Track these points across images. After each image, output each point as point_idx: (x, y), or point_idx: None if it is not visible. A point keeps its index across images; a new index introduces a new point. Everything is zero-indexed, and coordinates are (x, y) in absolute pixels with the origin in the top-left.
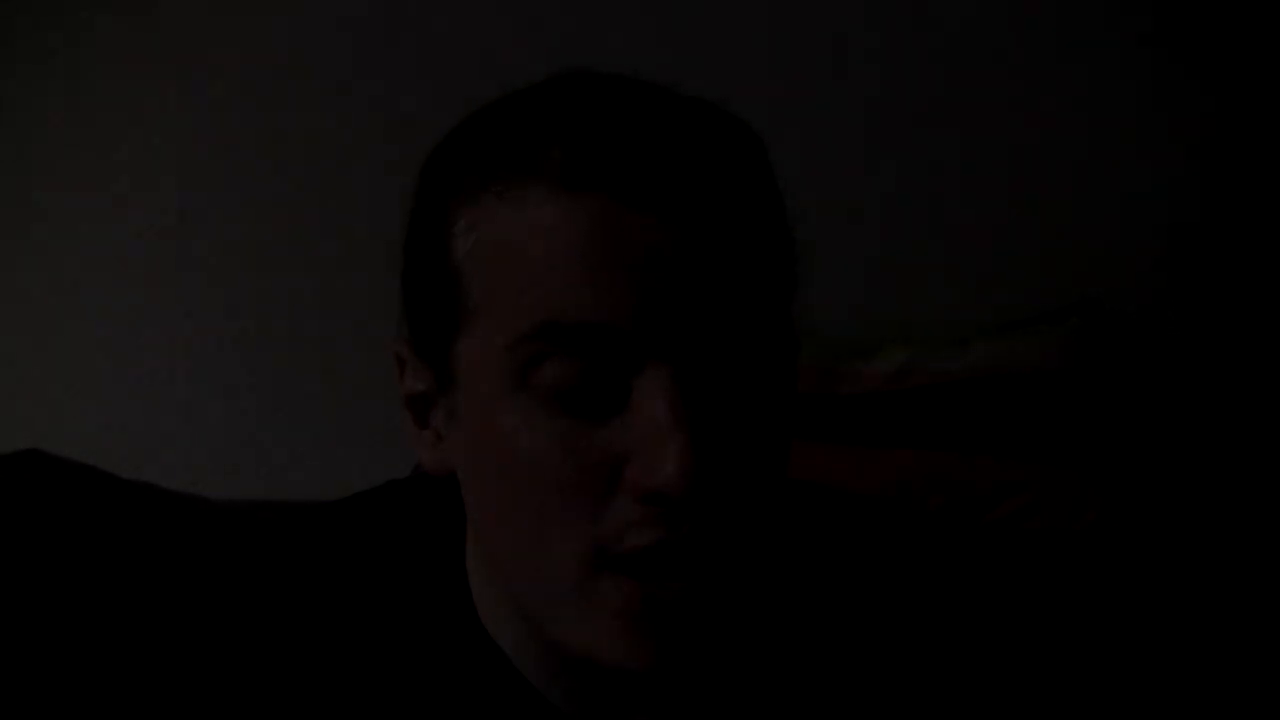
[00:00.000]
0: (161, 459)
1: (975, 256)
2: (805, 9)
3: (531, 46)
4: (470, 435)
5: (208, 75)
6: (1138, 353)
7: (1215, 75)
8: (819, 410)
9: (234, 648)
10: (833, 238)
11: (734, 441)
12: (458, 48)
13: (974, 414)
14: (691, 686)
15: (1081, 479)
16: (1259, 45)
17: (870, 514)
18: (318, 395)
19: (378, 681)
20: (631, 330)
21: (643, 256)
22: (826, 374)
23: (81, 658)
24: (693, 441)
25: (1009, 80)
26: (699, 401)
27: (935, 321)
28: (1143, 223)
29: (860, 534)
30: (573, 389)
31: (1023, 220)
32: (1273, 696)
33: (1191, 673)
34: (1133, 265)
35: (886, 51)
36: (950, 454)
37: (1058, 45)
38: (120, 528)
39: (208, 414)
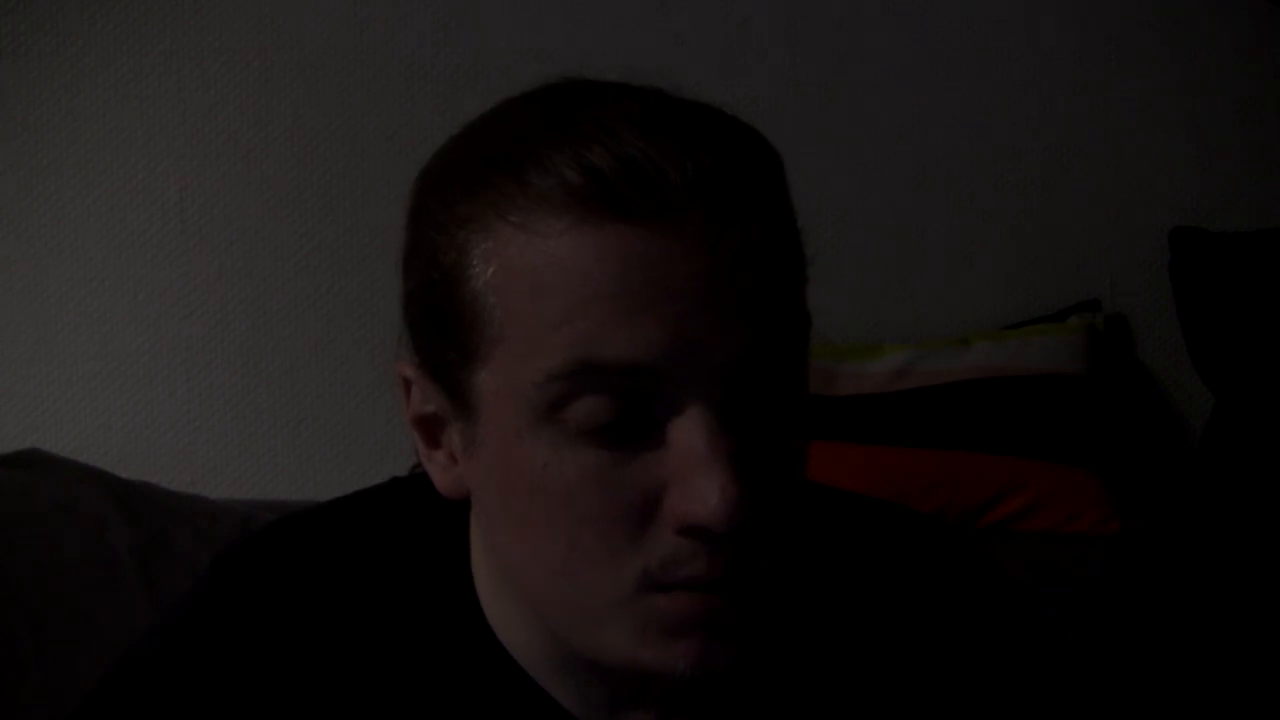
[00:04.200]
0: (161, 459)
1: (975, 256)
2: (808, 8)
3: (532, 45)
4: (493, 464)
5: (208, 76)
6: (1138, 353)
7: (1213, 74)
8: (819, 410)
9: (237, 648)
10: (833, 238)
11: (768, 466)
12: (458, 47)
13: (974, 414)
14: (706, 688)
15: (1082, 479)
16: (1259, 46)
17: (871, 515)
18: (317, 396)
19: (385, 680)
20: (667, 367)
21: (674, 289)
22: (827, 374)
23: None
24: (735, 474)
25: (1010, 82)
26: (735, 430)
27: (935, 321)
28: (1143, 223)
29: (861, 535)
30: (606, 424)
31: (1023, 221)
32: (1273, 701)
33: (1190, 676)
34: (1133, 265)
35: (888, 52)
36: (950, 454)
37: (1057, 47)
38: (125, 526)
39: (207, 414)
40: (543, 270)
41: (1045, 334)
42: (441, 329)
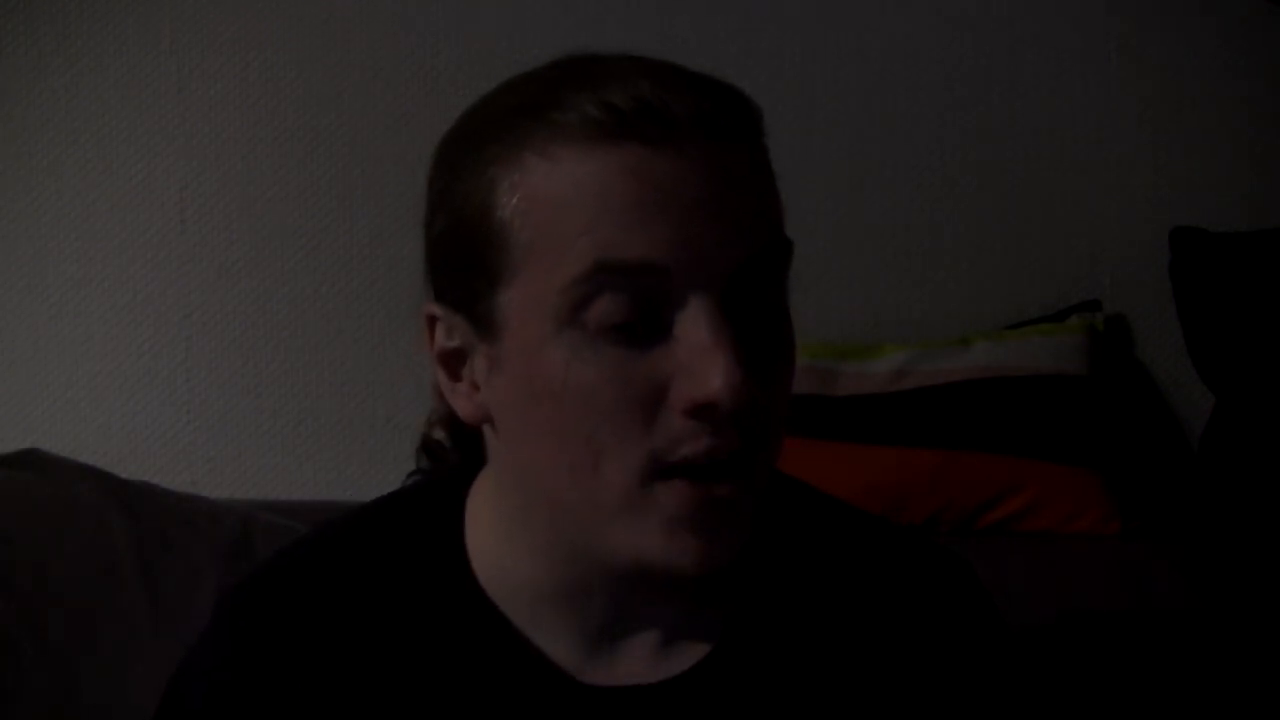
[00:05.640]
0: (161, 459)
1: (975, 256)
2: (808, 8)
3: (530, 44)
4: (517, 376)
5: (208, 75)
6: (1138, 353)
7: (1213, 75)
8: (819, 410)
9: (260, 656)
10: (833, 238)
11: (762, 360)
12: (458, 47)
13: (974, 414)
14: (704, 605)
15: (1082, 478)
16: (1258, 46)
17: (852, 520)
18: (317, 396)
19: (387, 660)
20: (674, 264)
21: (678, 197)
22: (827, 374)
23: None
24: (738, 357)
25: (1010, 81)
26: (735, 323)
27: (935, 321)
28: (1143, 223)
29: (842, 535)
30: (621, 323)
31: (1023, 220)
32: (1273, 701)
33: (1190, 676)
34: (1133, 265)
35: (888, 52)
36: (950, 454)
37: (1057, 46)
38: (125, 526)
39: (207, 414)
40: (564, 190)
41: (1045, 334)
42: (469, 260)
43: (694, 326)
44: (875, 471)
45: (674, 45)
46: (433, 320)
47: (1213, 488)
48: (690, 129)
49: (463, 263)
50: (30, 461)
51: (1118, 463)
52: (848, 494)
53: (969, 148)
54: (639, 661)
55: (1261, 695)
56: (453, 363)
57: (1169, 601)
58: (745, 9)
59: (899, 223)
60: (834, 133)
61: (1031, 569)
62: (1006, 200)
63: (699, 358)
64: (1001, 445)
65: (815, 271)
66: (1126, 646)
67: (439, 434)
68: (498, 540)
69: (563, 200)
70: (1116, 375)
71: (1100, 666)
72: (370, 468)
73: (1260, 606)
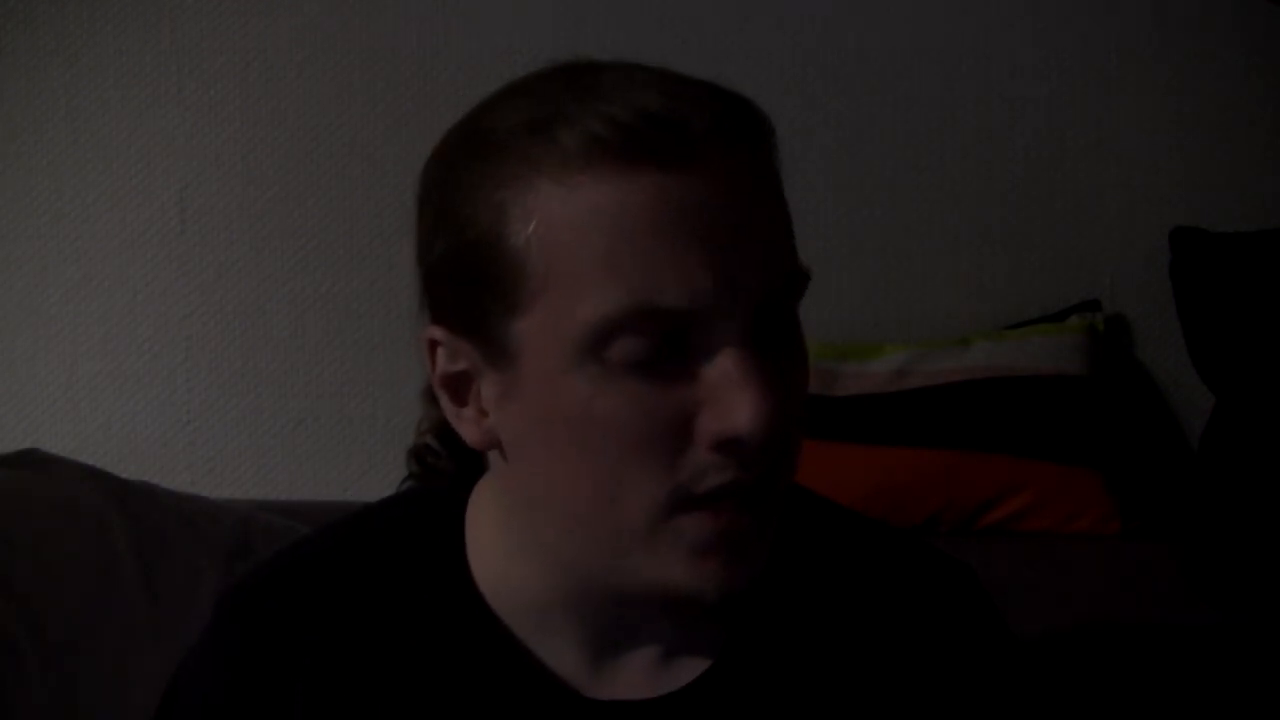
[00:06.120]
0: (161, 459)
1: (975, 256)
2: (807, 8)
3: (530, 44)
4: (535, 404)
5: (208, 76)
6: (1138, 353)
7: (1213, 75)
8: (819, 410)
9: (258, 658)
10: (834, 238)
11: (785, 389)
12: (458, 47)
13: (974, 414)
14: (705, 629)
15: (1082, 478)
16: (1259, 46)
17: (862, 530)
18: (317, 396)
19: (400, 660)
20: (700, 298)
21: (704, 225)
22: (827, 374)
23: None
24: (767, 390)
25: (1010, 81)
26: (762, 353)
27: (935, 321)
28: (1143, 223)
29: (852, 546)
30: (645, 360)
31: (1023, 220)
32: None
33: (1188, 675)
34: (1133, 265)
35: (887, 51)
36: (951, 454)
37: (1057, 47)
38: (125, 526)
39: (207, 414)
40: (582, 218)
41: (1045, 334)
42: (479, 286)
43: (722, 359)
44: (875, 472)
45: (673, 45)
46: (434, 344)
47: (1213, 488)
48: (705, 142)
49: (470, 288)
50: (30, 461)
51: (1118, 463)
52: (847, 495)
53: (969, 148)
54: (639, 675)
55: (1262, 696)
56: (458, 387)
57: (1169, 601)
58: (745, 9)
59: (899, 223)
60: (834, 133)
61: (1031, 569)
62: (1006, 200)
63: (726, 391)
64: (1001, 445)
65: (815, 271)
66: (1126, 646)
67: (430, 440)
68: (503, 554)
69: (581, 229)
70: (1116, 375)
71: (1100, 666)
72: (370, 468)
73: (1260, 606)
